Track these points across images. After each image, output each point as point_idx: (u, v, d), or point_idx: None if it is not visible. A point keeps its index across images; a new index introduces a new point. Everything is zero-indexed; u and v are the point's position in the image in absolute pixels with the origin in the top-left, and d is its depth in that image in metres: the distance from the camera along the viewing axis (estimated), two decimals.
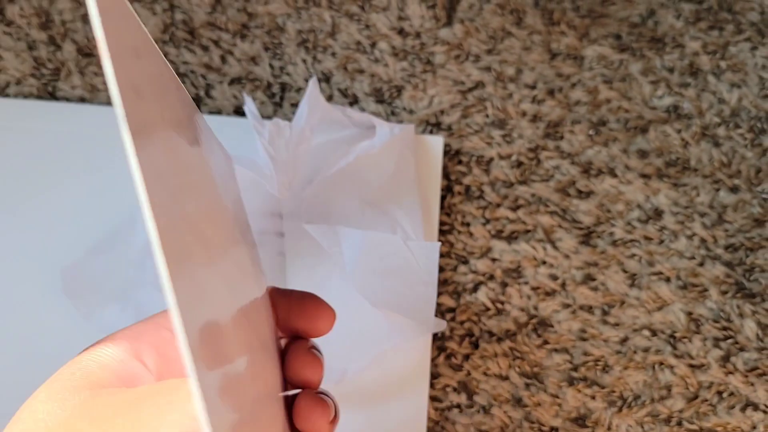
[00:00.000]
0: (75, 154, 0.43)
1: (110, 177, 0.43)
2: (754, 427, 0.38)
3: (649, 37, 0.48)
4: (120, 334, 0.25)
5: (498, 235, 0.43)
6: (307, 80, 0.46)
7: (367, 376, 0.37)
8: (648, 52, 0.48)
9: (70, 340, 0.38)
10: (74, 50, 0.47)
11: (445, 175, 0.44)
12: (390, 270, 0.36)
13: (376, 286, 0.37)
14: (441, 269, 0.42)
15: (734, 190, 0.44)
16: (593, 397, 0.39)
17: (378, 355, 0.37)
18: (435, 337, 0.40)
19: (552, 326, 0.41)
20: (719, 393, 0.39)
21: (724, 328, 0.41)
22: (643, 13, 0.49)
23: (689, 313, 0.41)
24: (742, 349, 0.40)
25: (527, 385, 0.39)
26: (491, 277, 0.42)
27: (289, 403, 0.27)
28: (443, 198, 0.44)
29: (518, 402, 0.39)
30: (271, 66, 0.47)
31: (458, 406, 0.39)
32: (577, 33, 0.49)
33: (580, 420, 0.39)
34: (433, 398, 0.39)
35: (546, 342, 0.40)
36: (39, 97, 0.46)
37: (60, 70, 0.47)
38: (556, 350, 0.40)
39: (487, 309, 0.41)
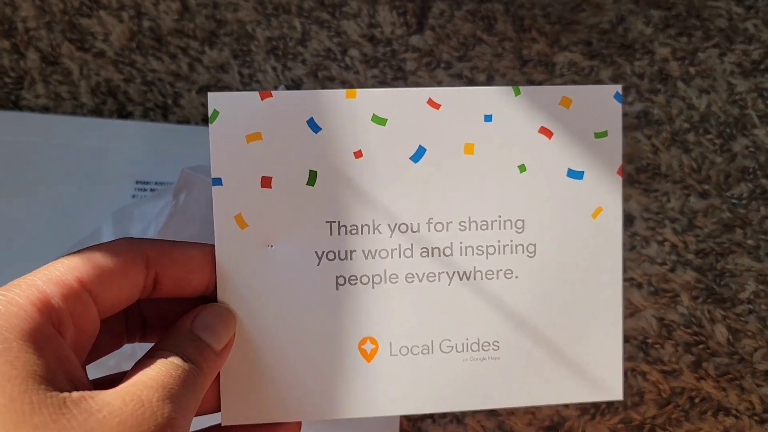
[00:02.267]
0: (38, 165, 0.42)
1: (75, 188, 0.42)
2: None
3: (619, 44, 0.49)
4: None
5: None
6: (276, 88, 0.45)
7: None
8: (618, 59, 0.48)
9: None
10: (38, 58, 0.46)
11: None
12: None
13: None
14: None
15: (704, 195, 0.44)
16: (566, 405, 0.39)
17: None
18: None
19: None
20: (691, 399, 0.39)
21: (696, 334, 0.41)
22: (613, 20, 0.49)
23: (661, 319, 0.41)
24: (713, 354, 0.40)
25: None
26: None
27: None
28: None
29: (491, 411, 0.39)
30: (240, 74, 0.47)
31: (431, 416, 0.39)
32: (547, 39, 0.48)
33: (553, 428, 0.39)
34: None
35: None
36: (1, 106, 0.45)
37: (23, 79, 0.46)
38: None
39: None
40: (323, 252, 0.27)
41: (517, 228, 0.28)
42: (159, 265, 0.25)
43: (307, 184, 0.27)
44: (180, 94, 0.46)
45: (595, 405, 0.39)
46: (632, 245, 0.43)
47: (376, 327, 0.27)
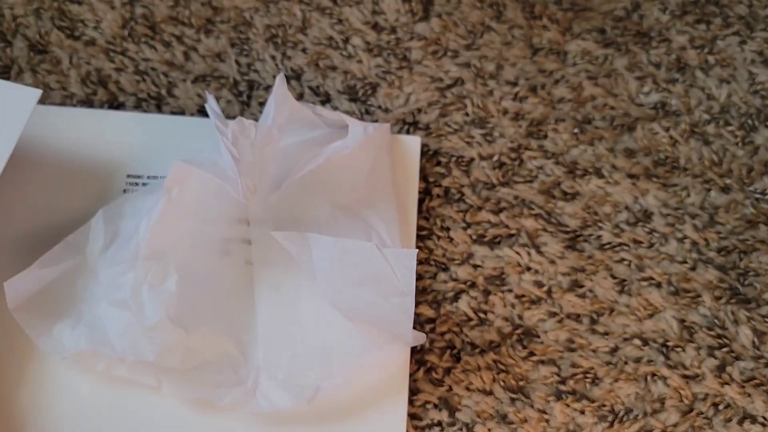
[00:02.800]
0: (26, 158, 0.40)
1: (63, 183, 0.40)
2: None
3: (635, 31, 0.47)
4: None
5: (479, 240, 0.41)
6: (276, 78, 0.43)
7: (340, 394, 0.35)
8: (633, 47, 0.46)
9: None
10: (26, 47, 0.45)
11: (423, 177, 0.42)
12: (364, 279, 0.34)
13: (350, 297, 0.34)
14: (420, 277, 0.39)
15: (726, 190, 0.42)
16: (582, 412, 0.37)
17: (352, 371, 0.35)
18: (414, 350, 0.37)
19: (538, 336, 0.39)
20: (715, 405, 0.37)
21: (719, 336, 0.39)
22: (627, 6, 0.47)
23: (682, 321, 0.39)
24: (737, 358, 0.38)
25: (512, 400, 0.37)
26: (473, 285, 0.40)
27: None
28: (421, 201, 0.41)
29: (503, 418, 0.37)
30: (237, 63, 0.45)
31: (439, 424, 0.37)
32: (559, 27, 0.47)
33: None
34: (412, 416, 0.37)
35: (532, 353, 0.38)
36: None
37: (10, 69, 0.44)
38: (542, 362, 0.38)
39: (469, 319, 0.39)
40: None
41: None
42: None
43: None
44: (174, 84, 0.44)
45: (613, 412, 0.37)
46: (651, 242, 0.41)
47: None
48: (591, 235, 0.41)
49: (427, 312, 0.39)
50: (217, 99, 0.44)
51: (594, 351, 0.38)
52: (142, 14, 0.46)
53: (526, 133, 0.43)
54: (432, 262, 0.40)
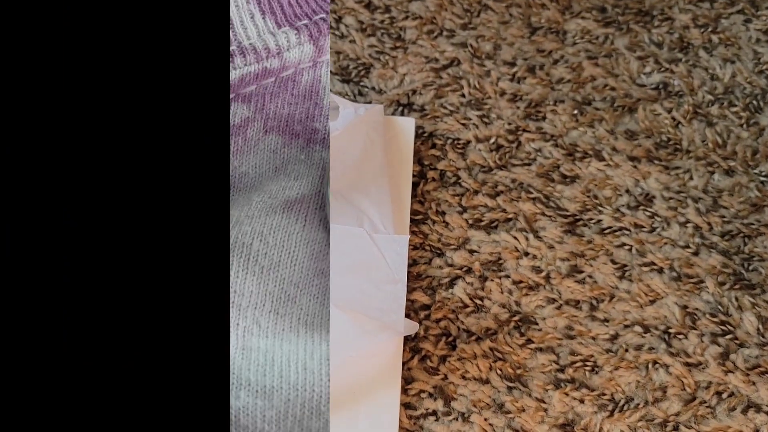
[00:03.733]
0: None
1: None
2: (757, 431, 0.35)
3: (636, 10, 0.45)
4: None
5: (476, 224, 0.40)
6: None
7: (331, 384, 0.34)
8: (635, 26, 0.45)
9: None
10: None
11: (418, 159, 0.41)
12: (355, 266, 0.33)
13: (340, 285, 0.33)
14: (414, 263, 0.38)
15: (730, 172, 0.41)
16: (582, 401, 0.36)
17: (343, 361, 0.34)
18: (408, 338, 0.36)
19: (536, 323, 0.38)
20: (718, 394, 0.36)
21: (722, 323, 0.38)
22: None
23: (684, 307, 0.38)
24: (741, 345, 0.37)
25: (510, 389, 0.36)
26: (469, 271, 0.38)
27: None
28: (416, 185, 0.40)
29: (500, 408, 0.36)
30: None
31: (434, 413, 0.36)
32: (558, 5, 0.45)
33: (568, 426, 0.36)
34: (405, 405, 0.36)
35: (529, 341, 0.37)
36: None
37: None
38: (540, 350, 0.37)
39: (465, 306, 0.38)
40: None
41: None
42: None
43: None
44: None
45: (614, 401, 0.36)
46: (652, 227, 0.40)
47: None
48: (591, 219, 0.40)
49: (422, 298, 0.38)
50: None
51: (594, 338, 0.37)
52: None
53: (524, 115, 0.42)
54: (427, 248, 0.39)
